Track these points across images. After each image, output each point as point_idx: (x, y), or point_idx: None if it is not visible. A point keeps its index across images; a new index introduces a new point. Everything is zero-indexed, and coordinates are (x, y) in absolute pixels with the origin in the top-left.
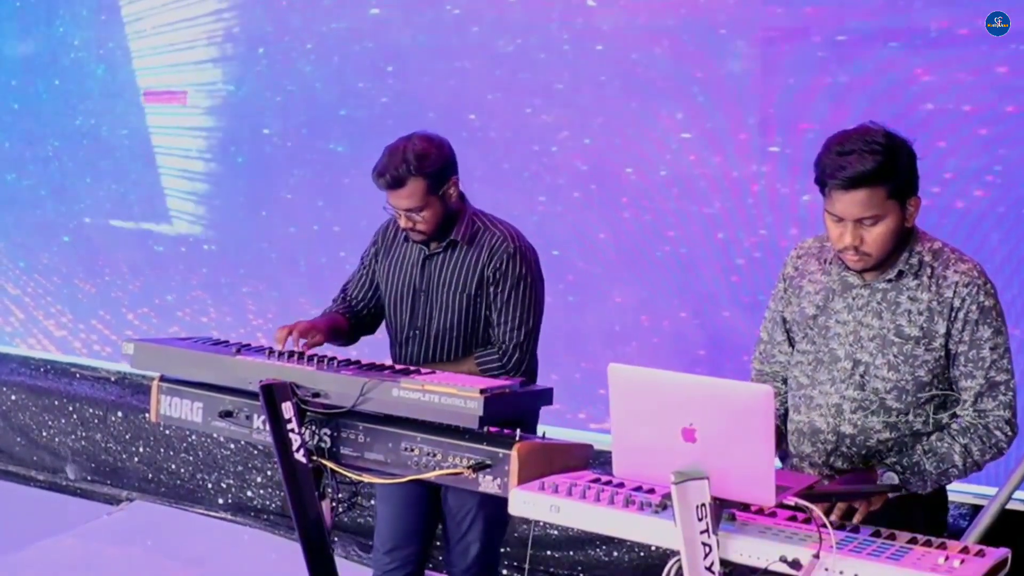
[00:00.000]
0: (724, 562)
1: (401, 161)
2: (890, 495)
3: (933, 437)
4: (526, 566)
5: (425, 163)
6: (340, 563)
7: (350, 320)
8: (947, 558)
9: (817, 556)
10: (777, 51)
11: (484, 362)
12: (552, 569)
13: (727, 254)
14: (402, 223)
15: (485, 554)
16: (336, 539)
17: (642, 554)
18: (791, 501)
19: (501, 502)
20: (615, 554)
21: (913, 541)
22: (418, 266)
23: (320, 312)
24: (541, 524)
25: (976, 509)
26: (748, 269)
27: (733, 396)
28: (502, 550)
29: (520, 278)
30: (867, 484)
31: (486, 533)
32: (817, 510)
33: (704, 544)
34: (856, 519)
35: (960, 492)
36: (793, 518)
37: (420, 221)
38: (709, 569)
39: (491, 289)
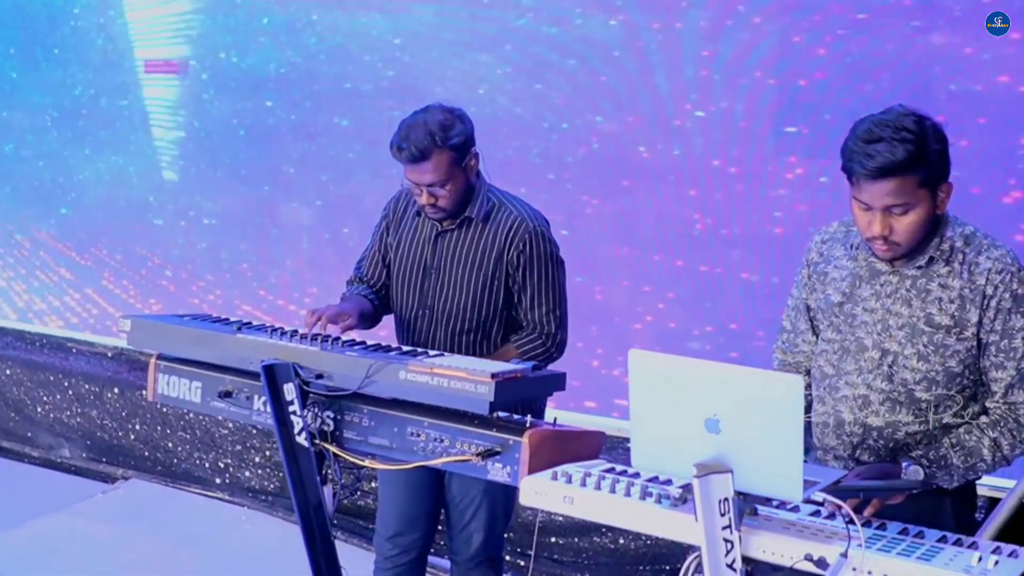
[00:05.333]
0: (745, 559)
1: (425, 133)
2: (915, 491)
3: (961, 430)
4: (531, 552)
5: (450, 134)
6: (340, 548)
7: (374, 301)
8: (980, 559)
9: (845, 555)
10: (796, 28)
11: (527, 348)
12: (557, 556)
13: (740, 235)
14: (422, 199)
15: (489, 542)
16: (335, 521)
17: (649, 542)
18: (819, 497)
19: (506, 489)
20: (621, 541)
21: (943, 540)
22: (430, 242)
23: (319, 293)
24: (546, 510)
25: (993, 502)
26: (763, 250)
27: (761, 386)
28: (506, 535)
29: (548, 258)
30: (891, 476)
31: (490, 521)
32: (847, 507)
33: (726, 540)
34: (867, 513)
35: (978, 484)
36: (816, 513)
37: (442, 196)
38: (730, 566)
39: (518, 272)
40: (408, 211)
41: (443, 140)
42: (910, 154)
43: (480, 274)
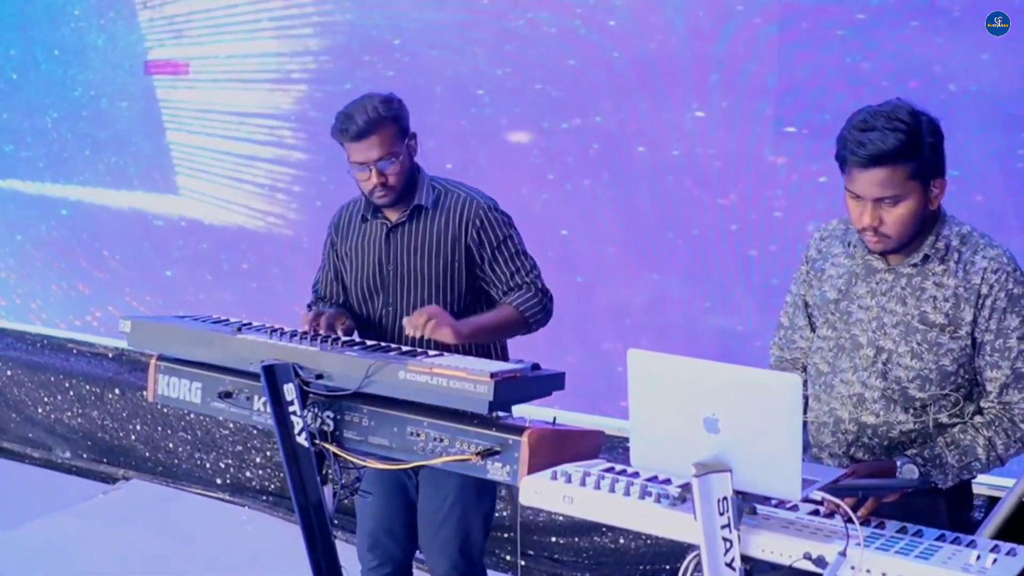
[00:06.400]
0: (744, 558)
1: (369, 107)
2: (910, 489)
3: (956, 429)
4: (529, 552)
5: (391, 108)
6: (340, 547)
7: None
8: (978, 557)
9: (843, 553)
10: (795, 28)
11: (527, 306)
12: (557, 556)
13: (740, 235)
14: (371, 181)
15: (466, 553)
16: (335, 521)
17: (649, 542)
18: (817, 496)
19: (481, 497)
20: (621, 541)
21: (941, 539)
22: (382, 241)
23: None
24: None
25: (992, 501)
26: (761, 250)
27: (759, 385)
28: (505, 535)
29: (508, 226)
30: (886, 474)
31: (465, 531)
32: (845, 506)
33: (725, 539)
34: (863, 512)
35: (977, 483)
36: (815, 512)
37: (391, 173)
38: (729, 565)
39: (484, 250)
40: (353, 220)
41: (387, 112)
42: (901, 143)
43: (439, 260)
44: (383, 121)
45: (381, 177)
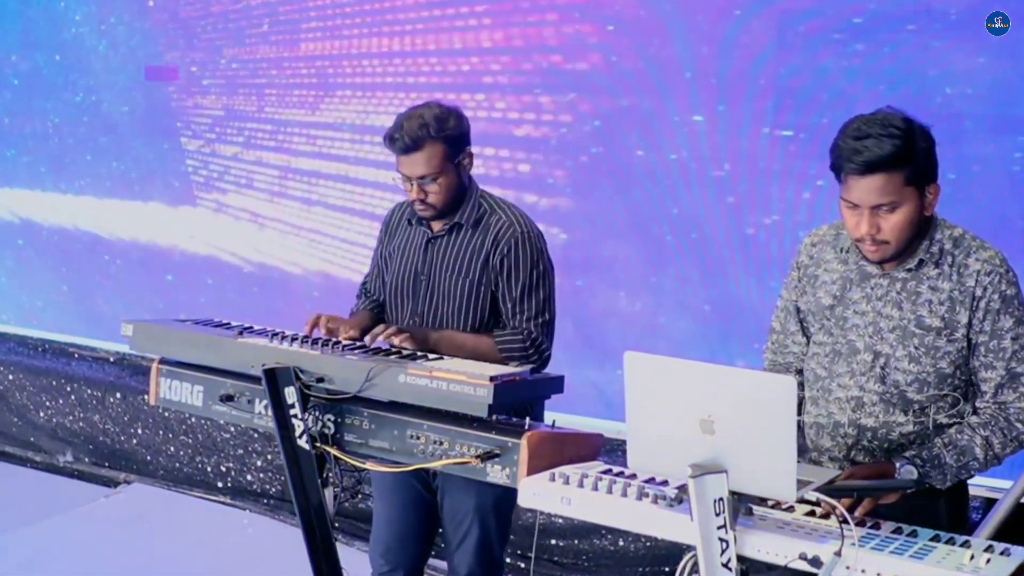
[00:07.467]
0: (740, 558)
1: (419, 124)
2: (908, 489)
3: (953, 430)
4: (531, 554)
5: (445, 126)
6: (341, 550)
7: (378, 314)
8: (972, 557)
9: (839, 553)
10: (792, 32)
11: (506, 346)
12: (557, 558)
13: (739, 238)
14: (412, 194)
15: (486, 559)
16: (336, 524)
17: (649, 544)
18: (813, 496)
19: (500, 501)
20: (621, 543)
21: (936, 539)
22: (421, 249)
23: (321, 297)
24: (546, 512)
25: (989, 503)
26: (760, 254)
27: (755, 387)
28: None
29: (533, 264)
30: (885, 476)
31: (484, 538)
32: (840, 507)
33: (721, 540)
34: (859, 512)
35: (974, 485)
36: (811, 513)
37: (433, 192)
38: (726, 566)
39: (501, 277)
40: (402, 221)
41: (437, 131)
42: (897, 149)
43: (467, 280)
44: (432, 140)
45: (422, 193)
